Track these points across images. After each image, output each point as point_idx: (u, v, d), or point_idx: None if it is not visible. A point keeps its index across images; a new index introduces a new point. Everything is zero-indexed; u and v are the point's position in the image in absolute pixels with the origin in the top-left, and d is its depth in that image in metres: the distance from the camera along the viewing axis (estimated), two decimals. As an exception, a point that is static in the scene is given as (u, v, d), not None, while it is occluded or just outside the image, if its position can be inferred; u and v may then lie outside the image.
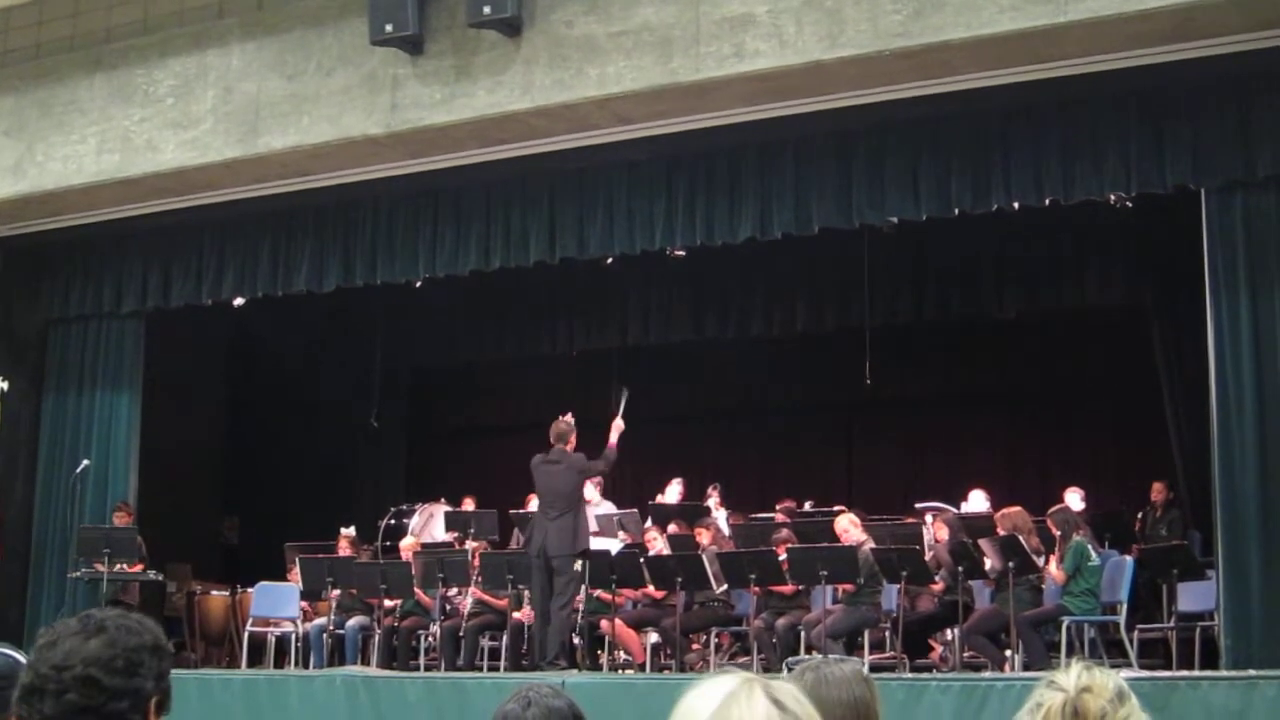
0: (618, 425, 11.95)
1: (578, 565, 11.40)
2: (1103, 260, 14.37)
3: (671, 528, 12.90)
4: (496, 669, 12.37)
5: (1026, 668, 10.24)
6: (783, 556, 11.29)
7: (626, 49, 10.55)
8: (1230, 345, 9.99)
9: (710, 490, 14.74)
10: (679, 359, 17.09)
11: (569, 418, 11.89)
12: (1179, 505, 13.36)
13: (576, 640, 11.95)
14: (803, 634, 11.13)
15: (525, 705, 2.78)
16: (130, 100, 12.52)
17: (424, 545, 13.93)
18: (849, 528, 11.51)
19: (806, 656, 10.44)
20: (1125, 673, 9.29)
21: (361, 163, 12.16)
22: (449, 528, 14.68)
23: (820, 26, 9.94)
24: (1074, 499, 12.96)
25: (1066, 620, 10.55)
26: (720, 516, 13.82)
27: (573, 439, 11.68)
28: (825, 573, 10.82)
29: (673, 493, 14.69)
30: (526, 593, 12.09)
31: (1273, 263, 9.91)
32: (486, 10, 10.70)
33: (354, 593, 13.14)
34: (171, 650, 2.53)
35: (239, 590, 15.21)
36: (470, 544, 13.68)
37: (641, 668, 12.08)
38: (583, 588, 11.73)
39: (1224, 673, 9.31)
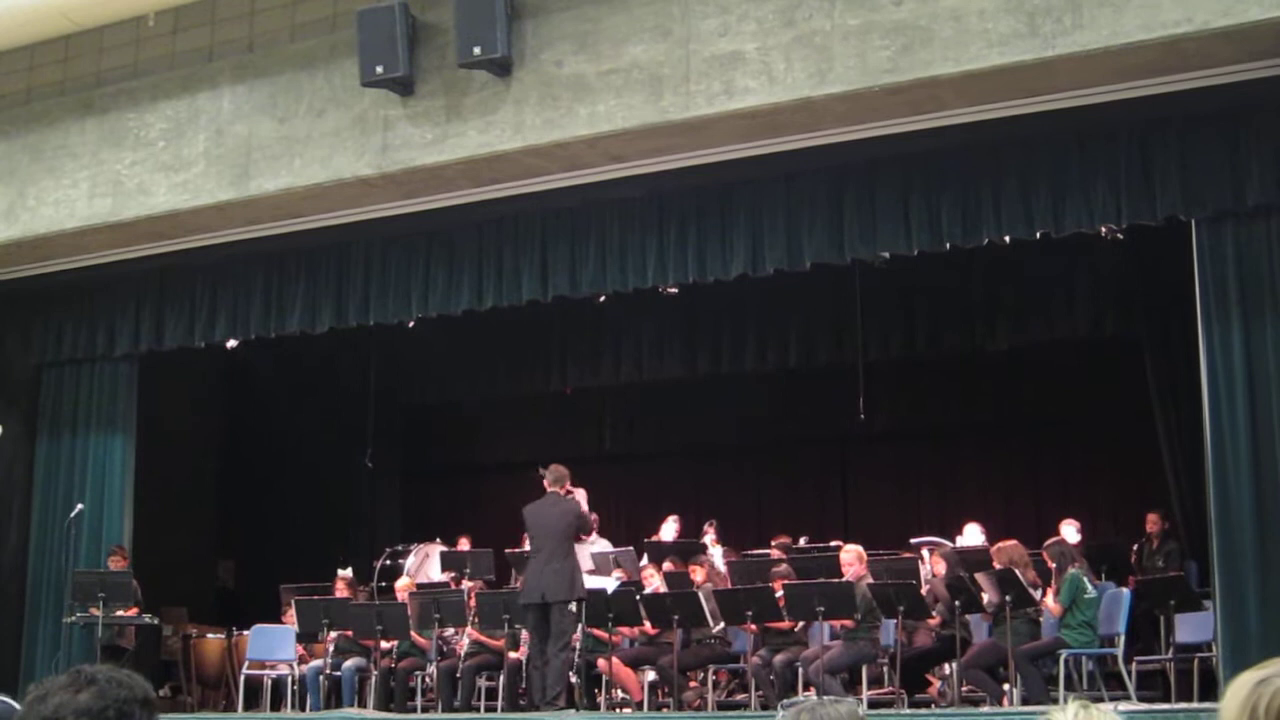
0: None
1: (573, 606, 11.34)
2: (1094, 291, 14.40)
3: (667, 565, 12.86)
4: (494, 709, 12.33)
5: (1025, 701, 10.21)
6: (779, 593, 11.27)
7: (616, 87, 10.58)
8: (1223, 374, 9.98)
9: (707, 527, 14.67)
10: (672, 395, 17.10)
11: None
12: (1175, 536, 13.34)
13: (574, 679, 11.88)
14: (800, 670, 11.09)
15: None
16: (121, 144, 12.53)
17: (420, 586, 13.85)
18: (854, 561, 11.49)
19: (802, 696, 10.41)
20: (1124, 705, 9.29)
21: (353, 204, 12.15)
22: (445, 568, 14.62)
23: (809, 63, 9.97)
24: (1070, 531, 12.96)
25: (1064, 653, 10.53)
26: (716, 553, 13.77)
27: (568, 484, 11.64)
28: (822, 608, 10.80)
29: (668, 530, 14.63)
30: (523, 632, 12.04)
31: (1264, 292, 9.92)
32: (476, 51, 10.71)
33: (350, 634, 13.10)
34: (159, 704, 2.53)
35: (235, 633, 15.15)
36: (466, 584, 13.64)
37: (639, 706, 12.04)
38: (579, 626, 11.68)
39: (1223, 704, 9.26)
